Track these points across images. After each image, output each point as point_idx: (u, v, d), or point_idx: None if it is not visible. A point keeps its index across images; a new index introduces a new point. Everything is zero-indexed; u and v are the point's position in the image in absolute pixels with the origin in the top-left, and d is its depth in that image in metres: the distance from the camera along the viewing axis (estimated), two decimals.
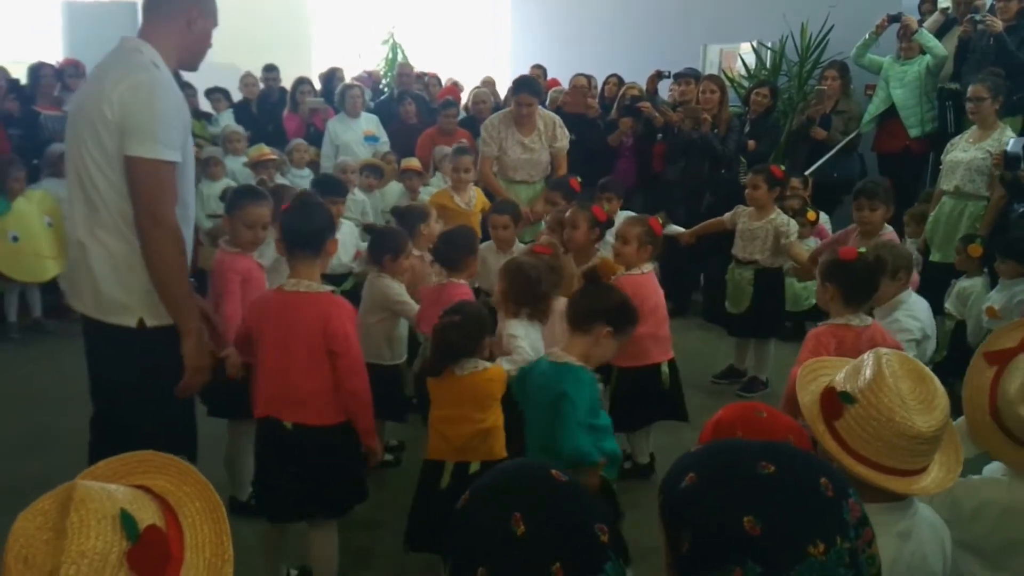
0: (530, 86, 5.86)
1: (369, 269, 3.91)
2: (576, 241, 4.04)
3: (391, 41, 11.99)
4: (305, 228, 2.76)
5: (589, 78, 7.49)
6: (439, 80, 9.09)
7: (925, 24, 6.56)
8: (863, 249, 3.24)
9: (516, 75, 6.57)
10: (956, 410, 1.75)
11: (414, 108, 7.68)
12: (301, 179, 6.34)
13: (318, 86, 8.46)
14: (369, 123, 7.18)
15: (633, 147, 7.05)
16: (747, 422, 1.68)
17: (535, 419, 2.70)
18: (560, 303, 3.39)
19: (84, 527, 1.04)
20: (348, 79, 8.42)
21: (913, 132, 6.42)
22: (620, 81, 7.70)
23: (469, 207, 5.31)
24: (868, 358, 1.63)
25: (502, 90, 8.08)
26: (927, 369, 1.63)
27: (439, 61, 11.44)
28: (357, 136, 7.02)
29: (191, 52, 2.68)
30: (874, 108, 6.61)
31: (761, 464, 1.05)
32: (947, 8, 6.86)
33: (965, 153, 5.24)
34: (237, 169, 6.38)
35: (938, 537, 1.68)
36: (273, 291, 2.85)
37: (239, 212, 3.35)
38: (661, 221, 4.06)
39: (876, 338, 2.95)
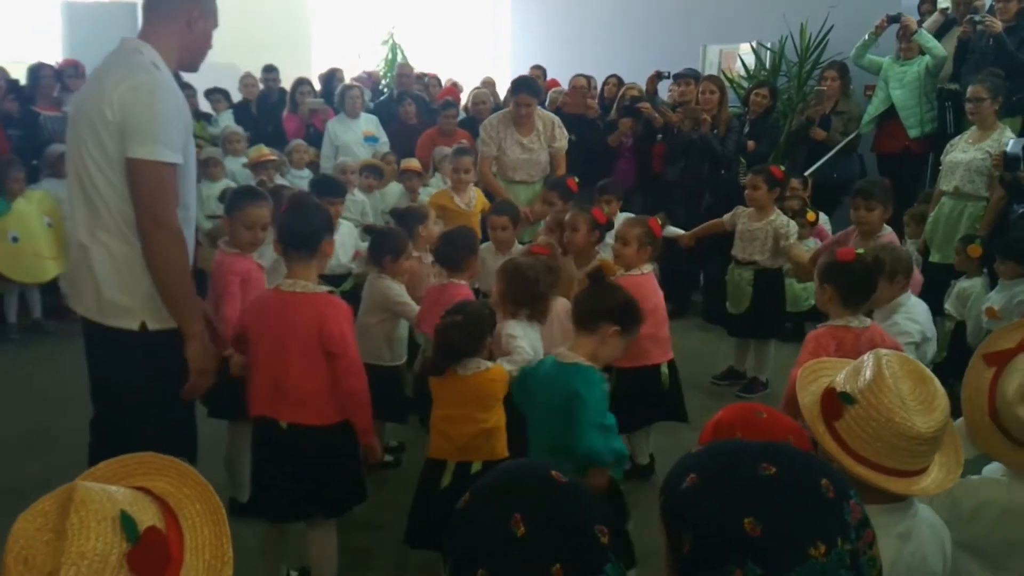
0: (529, 86, 5.87)
1: (369, 270, 3.91)
2: (576, 244, 4.04)
3: (391, 42, 11.99)
4: (300, 229, 2.77)
5: (589, 79, 7.49)
6: (439, 81, 9.09)
7: (924, 25, 6.56)
8: (861, 250, 3.24)
9: (516, 76, 6.57)
10: (956, 411, 1.75)
11: (414, 109, 7.68)
12: (301, 180, 6.33)
13: (318, 87, 8.45)
14: (369, 124, 7.18)
15: (633, 148, 7.05)
16: (747, 423, 1.68)
17: (540, 420, 2.70)
18: (558, 304, 3.40)
19: (84, 528, 1.04)
20: (348, 80, 8.41)
21: (912, 133, 6.42)
22: (620, 82, 7.71)
23: (469, 208, 5.32)
24: (868, 359, 1.63)
25: (502, 91, 8.08)
26: (927, 370, 1.63)
27: (439, 62, 11.44)
28: (357, 137, 7.02)
29: (191, 53, 2.67)
30: (873, 109, 6.62)
31: (762, 465, 1.05)
32: (946, 8, 6.86)
33: (964, 154, 5.25)
34: (237, 170, 6.38)
35: (938, 538, 1.68)
36: (270, 291, 2.85)
37: (239, 213, 3.35)
38: (660, 222, 4.06)
39: (875, 339, 2.95)
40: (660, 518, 1.11)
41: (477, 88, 7.86)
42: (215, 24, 2.70)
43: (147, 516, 1.12)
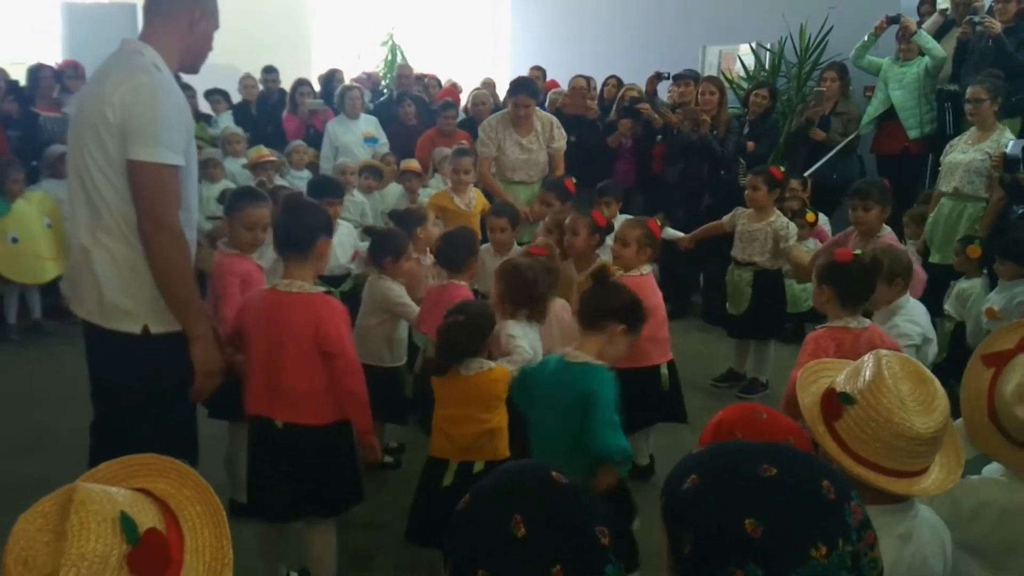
0: (527, 87, 5.88)
1: (369, 271, 3.91)
2: (577, 248, 4.03)
3: (390, 42, 11.99)
4: (293, 229, 2.77)
5: (588, 79, 7.50)
6: (439, 81, 9.09)
7: (924, 25, 6.56)
8: (859, 251, 3.24)
9: (515, 76, 6.57)
10: (956, 412, 1.75)
11: (413, 109, 7.69)
12: (300, 181, 6.33)
13: (317, 87, 8.45)
14: (368, 124, 7.18)
15: (632, 148, 7.05)
16: (747, 423, 1.69)
17: (544, 420, 2.68)
18: (557, 304, 3.40)
19: (84, 530, 1.04)
20: (347, 80, 8.42)
21: (912, 133, 6.43)
22: (619, 82, 7.71)
23: (469, 208, 5.32)
24: (869, 359, 1.64)
25: (502, 92, 8.08)
26: (928, 371, 1.63)
27: (438, 62, 11.44)
28: (356, 137, 7.02)
29: (193, 54, 2.66)
30: (873, 109, 6.62)
31: (763, 466, 1.05)
32: (946, 9, 6.86)
33: (964, 155, 5.25)
34: (236, 171, 6.39)
35: (939, 539, 1.68)
36: (266, 290, 2.85)
37: (238, 214, 3.35)
38: (659, 222, 4.06)
39: (875, 340, 2.95)
40: (661, 519, 1.11)
41: (477, 89, 7.87)
42: (216, 25, 2.69)
43: (147, 518, 1.12)
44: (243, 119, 7.73)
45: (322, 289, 2.83)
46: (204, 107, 7.92)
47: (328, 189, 4.64)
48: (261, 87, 8.21)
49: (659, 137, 6.78)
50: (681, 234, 5.31)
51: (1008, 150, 4.95)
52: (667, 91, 7.66)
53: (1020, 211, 4.89)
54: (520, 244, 4.60)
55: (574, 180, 5.19)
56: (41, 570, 1.03)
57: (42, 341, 5.88)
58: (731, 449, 1.15)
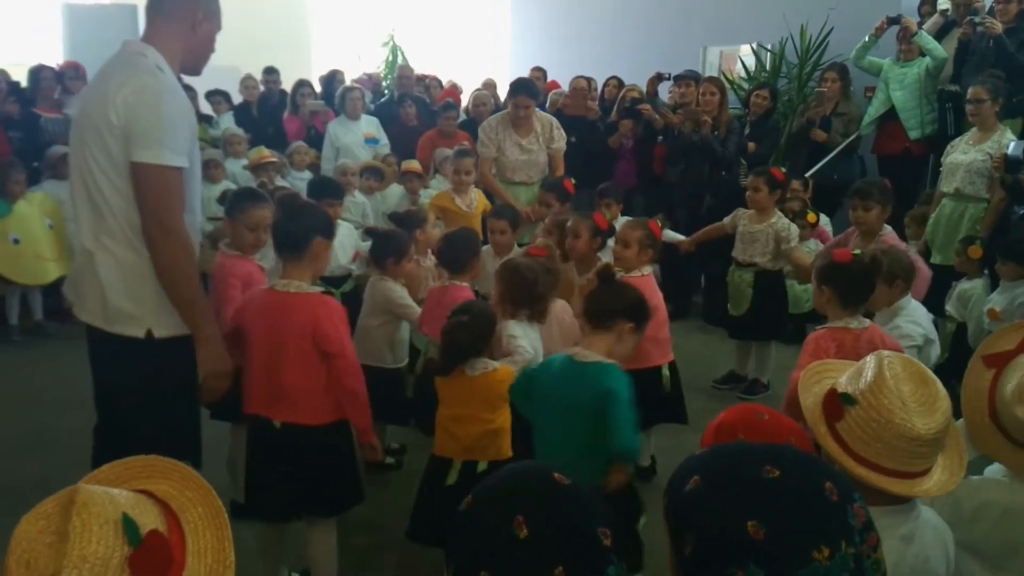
0: (527, 88, 5.89)
1: (371, 272, 3.90)
2: (578, 251, 4.02)
3: (391, 43, 12.00)
4: (289, 230, 2.77)
5: (589, 80, 7.50)
6: (439, 82, 9.09)
7: (925, 26, 6.56)
8: (858, 251, 3.24)
9: (516, 77, 6.57)
10: (957, 413, 1.75)
11: (414, 110, 7.69)
12: (301, 182, 6.32)
13: (318, 88, 8.46)
14: (369, 125, 7.19)
15: (633, 149, 7.05)
16: (749, 424, 1.68)
17: (549, 420, 2.67)
18: (557, 305, 3.40)
19: (86, 531, 1.04)
20: (348, 81, 8.43)
21: (913, 134, 6.42)
22: (620, 83, 7.71)
23: (470, 209, 5.32)
24: (870, 360, 1.64)
25: (502, 92, 8.08)
26: (929, 372, 1.63)
27: (439, 63, 11.45)
28: (357, 138, 7.02)
29: (195, 56, 2.64)
30: (874, 110, 6.62)
31: (766, 468, 1.05)
32: (947, 10, 6.86)
33: (965, 155, 5.25)
34: (237, 172, 6.39)
35: (941, 539, 1.68)
36: (264, 290, 2.85)
37: (240, 215, 3.34)
38: (660, 223, 4.06)
39: (875, 340, 2.95)
40: (664, 520, 1.11)
41: (477, 90, 7.87)
42: (219, 27, 2.68)
43: (149, 519, 1.12)
44: (244, 120, 7.73)
45: (319, 289, 2.83)
46: (205, 108, 7.92)
47: (327, 190, 4.63)
48: (262, 88, 8.22)
49: (660, 138, 6.78)
50: (682, 237, 5.28)
51: (1009, 151, 4.94)
52: (668, 92, 7.65)
53: (1021, 212, 4.89)
54: (520, 245, 4.60)
55: (573, 181, 5.19)
56: (43, 572, 1.03)
57: (43, 342, 5.88)
58: (733, 450, 1.15)
